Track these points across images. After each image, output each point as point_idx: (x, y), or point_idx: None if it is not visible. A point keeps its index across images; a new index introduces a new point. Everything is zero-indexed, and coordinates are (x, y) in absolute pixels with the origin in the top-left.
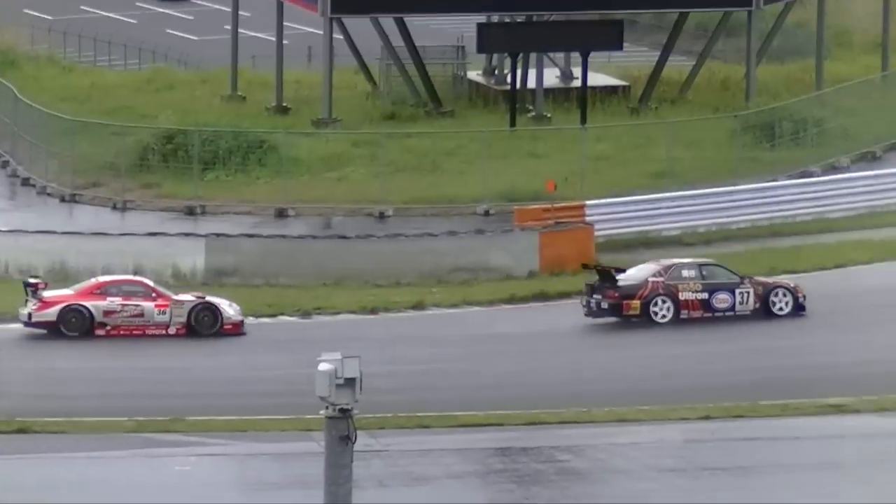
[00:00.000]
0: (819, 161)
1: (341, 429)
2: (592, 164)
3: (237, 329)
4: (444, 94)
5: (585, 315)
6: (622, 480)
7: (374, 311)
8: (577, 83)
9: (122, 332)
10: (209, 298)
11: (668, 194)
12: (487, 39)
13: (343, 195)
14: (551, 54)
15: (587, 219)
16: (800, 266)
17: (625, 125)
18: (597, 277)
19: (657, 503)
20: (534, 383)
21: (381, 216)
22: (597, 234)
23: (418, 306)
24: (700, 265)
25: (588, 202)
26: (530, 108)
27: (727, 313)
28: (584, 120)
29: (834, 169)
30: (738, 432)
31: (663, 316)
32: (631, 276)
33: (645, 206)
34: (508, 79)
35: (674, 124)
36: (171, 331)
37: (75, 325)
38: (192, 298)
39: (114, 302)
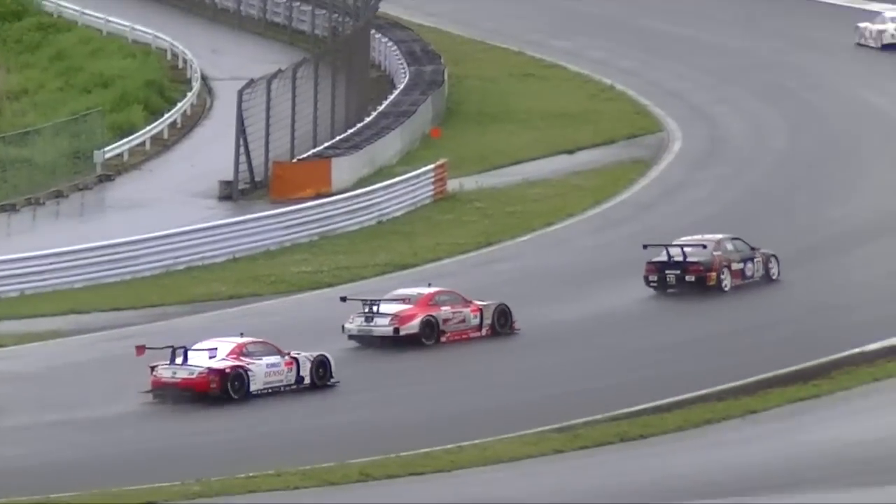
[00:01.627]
0: None
1: None
2: None
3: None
4: None
5: (655, 290)
6: None
7: None
8: None
9: (454, 338)
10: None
11: None
12: None
13: None
14: None
15: None
16: None
17: None
18: (666, 255)
19: None
20: None
21: None
22: None
23: None
24: (731, 238)
25: None
26: None
27: (750, 280)
28: None
29: None
30: None
31: (726, 285)
32: (693, 252)
33: None
34: None
35: None
36: (483, 332)
37: (430, 335)
38: (490, 302)
39: (447, 311)
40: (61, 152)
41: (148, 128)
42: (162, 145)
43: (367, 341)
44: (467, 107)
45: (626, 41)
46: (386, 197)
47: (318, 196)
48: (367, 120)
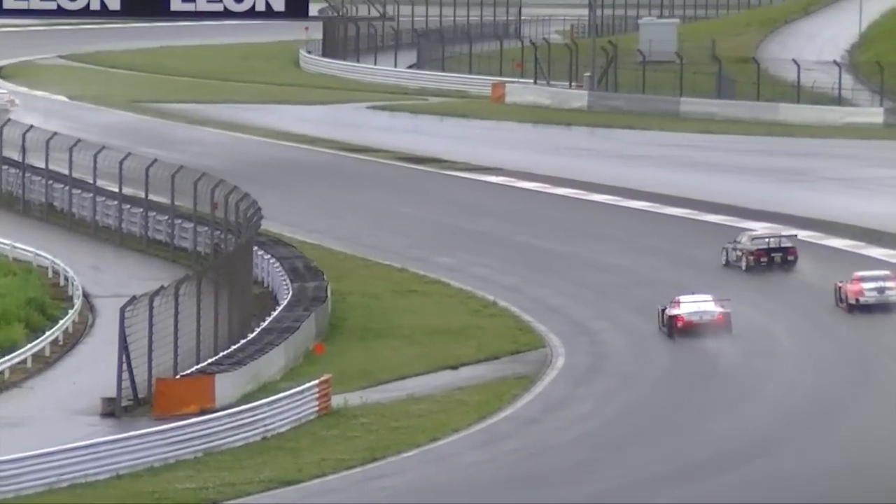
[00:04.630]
0: None
1: None
2: None
3: None
4: None
5: (764, 268)
6: None
7: None
8: None
9: None
10: None
11: None
12: None
13: None
14: None
15: None
16: None
17: None
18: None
19: None
20: None
21: None
22: None
23: None
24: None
25: None
26: None
27: None
28: None
29: None
30: None
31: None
32: (789, 240)
33: None
34: None
35: None
36: None
37: None
38: None
39: None
40: None
41: (29, 345)
42: (44, 363)
43: (877, 310)
44: (351, 323)
45: (507, 258)
46: (270, 413)
47: (202, 412)
48: (251, 336)
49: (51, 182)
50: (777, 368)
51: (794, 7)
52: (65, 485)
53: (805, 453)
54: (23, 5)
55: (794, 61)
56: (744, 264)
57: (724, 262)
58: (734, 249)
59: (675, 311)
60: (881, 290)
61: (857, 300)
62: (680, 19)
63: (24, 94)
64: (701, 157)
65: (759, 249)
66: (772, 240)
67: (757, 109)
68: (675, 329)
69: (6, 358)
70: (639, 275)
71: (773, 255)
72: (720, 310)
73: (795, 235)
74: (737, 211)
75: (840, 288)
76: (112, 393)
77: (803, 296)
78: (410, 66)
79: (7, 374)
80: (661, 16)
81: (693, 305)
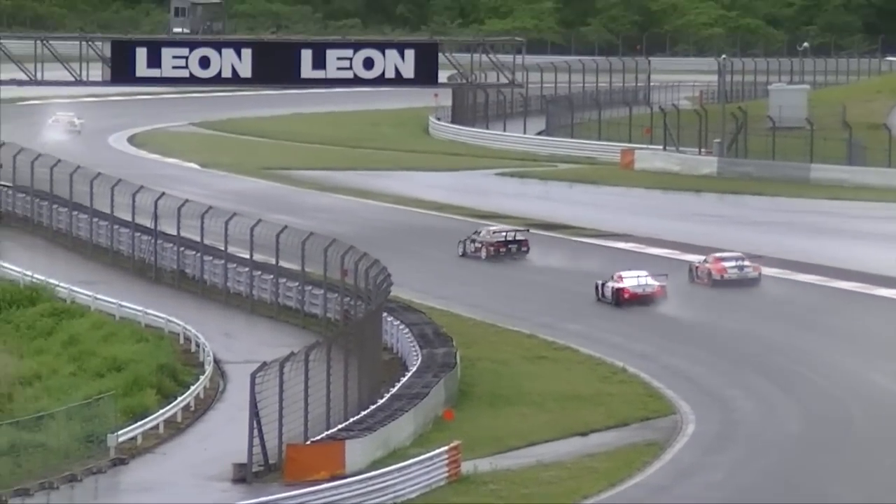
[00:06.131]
0: None
1: None
2: None
3: None
4: None
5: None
6: None
7: None
8: None
9: None
10: None
11: None
12: None
13: None
14: None
15: None
16: None
17: None
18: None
19: None
20: None
21: None
22: None
23: None
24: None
25: None
26: None
27: None
28: None
29: None
30: None
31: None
32: (521, 234)
33: None
34: None
35: None
36: None
37: None
38: None
39: None
40: (74, 436)
41: (161, 411)
42: (175, 428)
43: (739, 284)
44: (480, 389)
45: (638, 324)
46: (400, 479)
47: (333, 478)
48: (380, 402)
49: (182, 249)
50: None
51: None
52: None
53: None
54: (155, 73)
55: None
56: (484, 254)
57: (460, 254)
58: (472, 242)
59: (620, 285)
60: (741, 268)
61: (722, 276)
62: (810, 85)
63: (155, 161)
64: (832, 224)
65: (497, 241)
66: (508, 233)
67: (888, 176)
68: (622, 300)
69: (139, 424)
70: (772, 342)
71: (510, 245)
72: (658, 283)
73: (528, 230)
74: (868, 278)
75: (698, 267)
76: (243, 458)
77: None
78: (539, 133)
79: (139, 440)
80: (790, 82)
81: (635, 279)
